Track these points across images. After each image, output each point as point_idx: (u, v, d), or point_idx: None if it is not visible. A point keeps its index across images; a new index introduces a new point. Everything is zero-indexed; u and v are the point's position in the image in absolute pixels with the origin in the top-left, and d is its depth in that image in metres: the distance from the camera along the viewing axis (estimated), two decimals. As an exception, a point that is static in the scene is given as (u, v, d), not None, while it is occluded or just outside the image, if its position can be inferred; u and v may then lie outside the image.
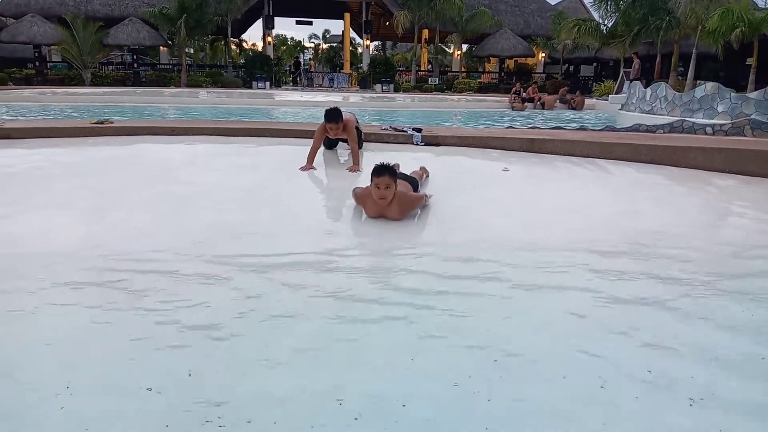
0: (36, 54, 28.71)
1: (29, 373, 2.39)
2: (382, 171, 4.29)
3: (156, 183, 6.07)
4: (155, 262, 3.64)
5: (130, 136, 9.11)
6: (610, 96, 19.83)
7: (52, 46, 28.62)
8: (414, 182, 5.19)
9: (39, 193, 5.51)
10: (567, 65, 34.80)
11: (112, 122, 9.87)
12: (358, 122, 7.30)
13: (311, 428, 2.02)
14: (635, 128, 10.26)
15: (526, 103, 19.96)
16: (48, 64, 30.17)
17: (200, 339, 2.69)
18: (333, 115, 6.36)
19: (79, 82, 26.90)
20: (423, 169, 6.05)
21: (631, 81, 17.49)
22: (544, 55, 34.16)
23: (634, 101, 14.74)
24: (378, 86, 29.47)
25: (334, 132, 6.44)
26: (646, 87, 14.55)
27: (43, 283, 3.27)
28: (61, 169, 6.92)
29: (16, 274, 3.40)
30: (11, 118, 12.31)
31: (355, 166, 6.34)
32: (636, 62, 20.96)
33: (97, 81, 27.31)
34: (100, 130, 9.33)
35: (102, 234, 4.20)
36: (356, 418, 2.07)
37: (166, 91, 24.17)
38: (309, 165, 6.36)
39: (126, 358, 2.52)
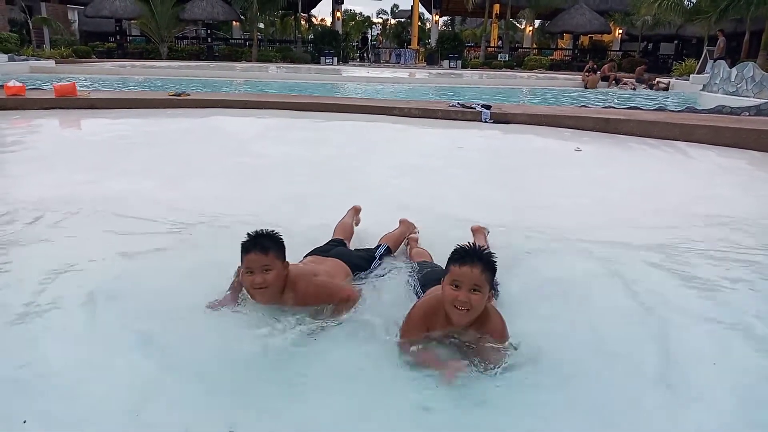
0: (117, 28, 29.96)
1: (115, 320, 2.56)
2: (472, 259, 2.20)
3: (230, 154, 6.28)
4: (231, 227, 3.81)
5: (206, 109, 9.46)
6: (691, 76, 18.82)
7: (132, 21, 29.76)
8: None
9: (123, 161, 5.82)
10: (645, 42, 33.18)
11: (188, 95, 10.27)
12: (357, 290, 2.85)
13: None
14: (718, 110, 9.76)
15: (601, 82, 19.26)
16: (128, 38, 31.44)
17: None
18: (253, 243, 2.50)
19: (156, 55, 27.91)
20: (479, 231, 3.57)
21: (715, 60, 16.53)
22: (621, 31, 32.68)
23: (717, 81, 13.97)
24: (445, 62, 29.11)
25: (256, 283, 2.47)
26: (731, 67, 13.74)
27: (131, 242, 3.47)
28: (142, 138, 7.27)
29: (106, 232, 3.63)
30: (95, 89, 12.94)
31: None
32: (721, 40, 19.76)
33: (173, 55, 28.23)
34: (178, 102, 9.74)
35: (182, 200, 4.39)
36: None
37: (238, 65, 24.75)
38: (222, 301, 2.73)
39: (199, 313, 2.66)
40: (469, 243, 2.32)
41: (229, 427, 1.90)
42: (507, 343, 2.28)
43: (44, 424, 1.91)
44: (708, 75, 15.52)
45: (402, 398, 2.08)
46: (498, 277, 2.99)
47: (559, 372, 2.26)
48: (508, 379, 2.17)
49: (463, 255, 2.20)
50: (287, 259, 2.59)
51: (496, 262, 2.27)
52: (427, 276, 2.79)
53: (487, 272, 2.18)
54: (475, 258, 2.18)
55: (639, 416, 2.03)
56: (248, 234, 2.53)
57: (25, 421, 1.90)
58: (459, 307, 2.16)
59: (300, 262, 2.96)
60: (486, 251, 2.26)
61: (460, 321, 2.21)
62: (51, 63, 20.96)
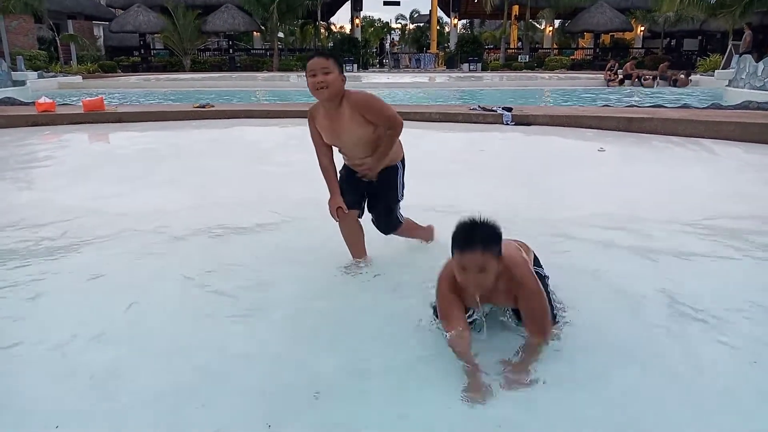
0: (141, 42, 30.56)
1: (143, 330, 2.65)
2: (471, 243, 2.17)
3: (254, 163, 6.39)
4: (259, 234, 3.90)
5: (229, 119, 9.62)
6: (716, 71, 18.51)
7: (155, 35, 30.33)
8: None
9: (151, 173, 5.96)
10: (668, 39, 32.71)
11: (212, 106, 10.45)
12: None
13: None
14: (744, 105, 9.60)
15: (623, 80, 19.06)
16: (151, 51, 32.04)
17: (300, 301, 2.87)
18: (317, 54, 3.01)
19: (179, 68, 28.37)
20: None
21: (741, 55, 16.23)
22: (643, 28, 32.28)
23: (743, 77, 13.71)
24: (465, 65, 29.07)
25: (317, 86, 2.90)
26: (757, 61, 13.48)
27: (159, 251, 3.57)
28: (169, 150, 7.43)
29: (138, 244, 3.73)
30: (122, 103, 13.23)
31: (375, 154, 3.09)
32: (747, 34, 19.37)
33: (196, 67, 28.66)
34: (202, 113, 9.91)
35: (210, 209, 4.50)
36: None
37: (259, 75, 25.02)
38: (334, 197, 3.20)
39: (230, 316, 2.74)
40: (468, 220, 2.25)
41: (268, 423, 1.96)
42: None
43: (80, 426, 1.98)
44: (733, 70, 15.25)
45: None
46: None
47: (590, 372, 2.28)
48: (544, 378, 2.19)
49: (461, 240, 2.19)
50: None
51: (497, 228, 2.22)
52: None
53: (489, 248, 2.17)
54: (473, 241, 2.16)
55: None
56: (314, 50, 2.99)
57: (57, 427, 1.97)
58: (472, 288, 2.24)
59: None
60: (484, 225, 2.20)
61: (477, 293, 2.26)
62: (78, 78, 21.44)
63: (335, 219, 3.22)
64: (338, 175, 3.26)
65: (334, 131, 3.04)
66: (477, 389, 2.09)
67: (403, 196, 3.34)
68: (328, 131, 3.07)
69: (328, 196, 3.21)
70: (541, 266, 2.71)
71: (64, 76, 21.69)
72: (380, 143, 3.05)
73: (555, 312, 2.57)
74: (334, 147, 3.19)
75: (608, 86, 18.93)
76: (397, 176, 3.26)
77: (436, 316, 2.49)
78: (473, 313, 2.47)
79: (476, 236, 2.17)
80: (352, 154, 3.15)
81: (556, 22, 34.58)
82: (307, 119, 3.17)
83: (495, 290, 2.30)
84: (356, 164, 3.19)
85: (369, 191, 3.28)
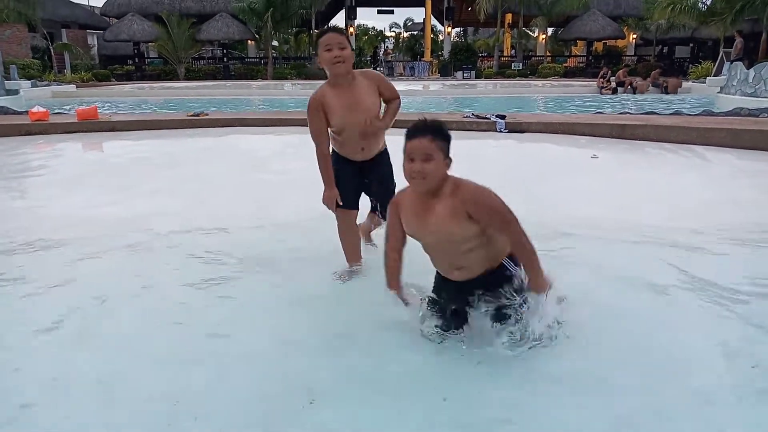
0: (135, 51, 30.59)
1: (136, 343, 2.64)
2: (421, 130, 2.26)
3: (250, 171, 6.39)
4: (256, 242, 3.90)
5: (224, 128, 9.62)
6: (708, 78, 18.66)
7: (150, 43, 30.36)
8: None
9: (146, 181, 5.95)
10: (660, 46, 32.99)
11: (207, 114, 10.45)
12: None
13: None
14: (736, 112, 9.68)
15: (617, 88, 19.17)
16: (146, 60, 32.05)
17: (296, 306, 2.90)
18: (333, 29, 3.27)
19: (173, 76, 28.38)
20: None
21: (732, 62, 16.38)
22: (635, 36, 32.53)
23: (734, 83, 13.85)
24: (459, 73, 29.19)
25: (335, 60, 2.98)
26: (748, 68, 13.61)
27: (154, 260, 3.56)
28: (163, 158, 7.42)
29: (132, 252, 3.72)
30: (116, 111, 13.20)
31: (384, 117, 3.23)
32: (738, 41, 19.54)
33: (190, 75, 28.67)
34: (197, 121, 9.91)
35: (206, 216, 4.49)
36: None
37: (254, 83, 25.05)
38: (331, 189, 3.24)
39: (226, 322, 2.74)
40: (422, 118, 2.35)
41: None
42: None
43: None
44: (725, 77, 15.40)
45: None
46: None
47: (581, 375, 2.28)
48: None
49: (412, 129, 2.28)
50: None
51: (446, 130, 2.31)
52: None
53: (437, 140, 2.24)
54: (423, 129, 2.26)
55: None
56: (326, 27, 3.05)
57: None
58: (414, 176, 2.24)
59: None
60: (436, 122, 2.30)
61: (418, 189, 2.29)
62: (72, 87, 21.41)
63: (332, 210, 3.27)
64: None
65: (350, 104, 3.07)
66: (403, 299, 2.51)
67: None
68: (340, 108, 3.09)
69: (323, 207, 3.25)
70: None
71: (57, 85, 21.65)
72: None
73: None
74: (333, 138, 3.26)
75: (601, 94, 19.05)
76: (389, 158, 3.38)
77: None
78: (460, 332, 2.51)
79: (427, 126, 2.27)
80: (359, 132, 3.15)
81: (549, 30, 34.79)
82: (307, 118, 3.21)
83: (441, 205, 2.27)
84: (351, 153, 3.26)
85: (367, 183, 3.35)
